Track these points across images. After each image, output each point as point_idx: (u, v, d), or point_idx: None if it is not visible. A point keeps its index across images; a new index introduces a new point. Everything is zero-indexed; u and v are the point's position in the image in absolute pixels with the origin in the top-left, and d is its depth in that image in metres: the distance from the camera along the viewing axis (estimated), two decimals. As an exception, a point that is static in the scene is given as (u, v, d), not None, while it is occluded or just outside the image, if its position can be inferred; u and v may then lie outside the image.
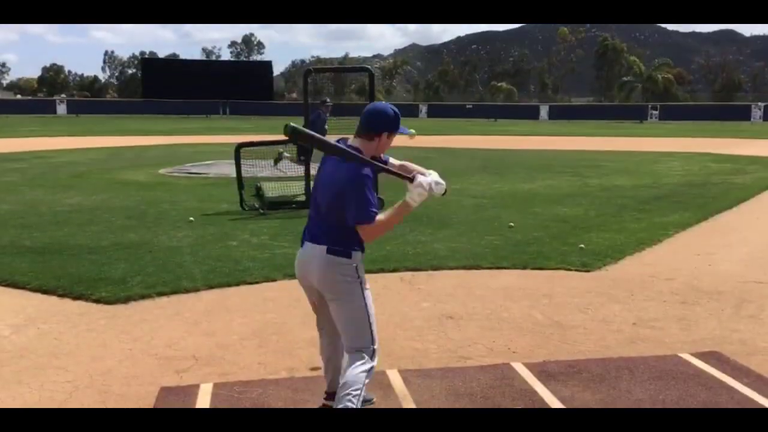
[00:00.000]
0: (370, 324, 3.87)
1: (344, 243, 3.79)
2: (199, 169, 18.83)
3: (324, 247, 3.78)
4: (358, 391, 3.75)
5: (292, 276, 7.43)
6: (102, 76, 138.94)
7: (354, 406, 3.71)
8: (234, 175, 12.38)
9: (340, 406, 3.74)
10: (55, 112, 71.23)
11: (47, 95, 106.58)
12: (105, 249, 8.74)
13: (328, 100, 14.62)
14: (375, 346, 3.90)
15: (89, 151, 25.41)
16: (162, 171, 18.39)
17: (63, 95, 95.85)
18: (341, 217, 3.73)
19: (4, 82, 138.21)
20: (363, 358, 3.84)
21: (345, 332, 3.91)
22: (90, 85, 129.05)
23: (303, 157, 13.09)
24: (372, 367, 3.87)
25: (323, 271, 3.80)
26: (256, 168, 13.69)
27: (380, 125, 3.86)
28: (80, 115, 68.58)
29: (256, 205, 12.14)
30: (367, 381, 3.83)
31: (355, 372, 3.79)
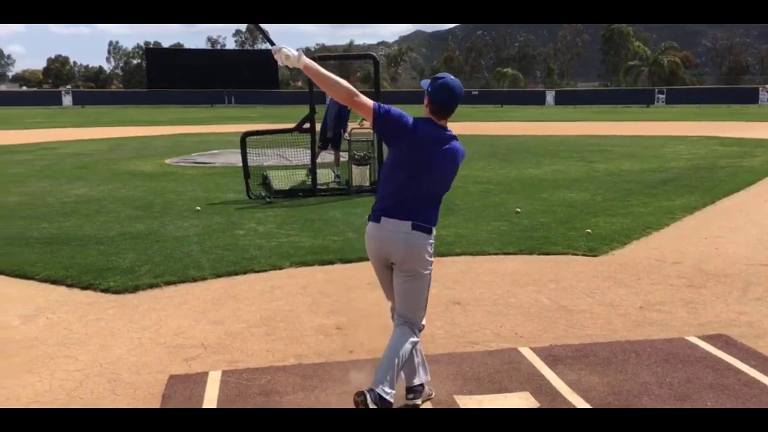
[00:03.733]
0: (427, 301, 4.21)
1: (431, 220, 4.05)
2: (205, 159, 18.84)
3: (410, 223, 3.96)
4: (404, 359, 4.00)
5: (299, 264, 7.49)
6: (107, 67, 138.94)
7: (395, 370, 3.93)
8: (240, 164, 12.40)
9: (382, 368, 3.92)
10: (60, 103, 71.36)
11: (53, 86, 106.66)
12: (112, 239, 8.77)
13: None
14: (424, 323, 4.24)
15: (95, 142, 25.44)
16: (168, 161, 18.41)
17: (68, 86, 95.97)
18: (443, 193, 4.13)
19: (10, 74, 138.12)
20: (414, 333, 4.12)
21: (407, 305, 4.12)
22: (95, 75, 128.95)
23: (320, 144, 13.18)
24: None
25: (409, 246, 3.98)
26: (262, 157, 13.74)
27: None
28: (86, 106, 68.67)
29: (263, 194, 12.17)
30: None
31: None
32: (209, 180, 14.55)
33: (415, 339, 4.09)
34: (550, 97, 73.19)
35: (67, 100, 72.60)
